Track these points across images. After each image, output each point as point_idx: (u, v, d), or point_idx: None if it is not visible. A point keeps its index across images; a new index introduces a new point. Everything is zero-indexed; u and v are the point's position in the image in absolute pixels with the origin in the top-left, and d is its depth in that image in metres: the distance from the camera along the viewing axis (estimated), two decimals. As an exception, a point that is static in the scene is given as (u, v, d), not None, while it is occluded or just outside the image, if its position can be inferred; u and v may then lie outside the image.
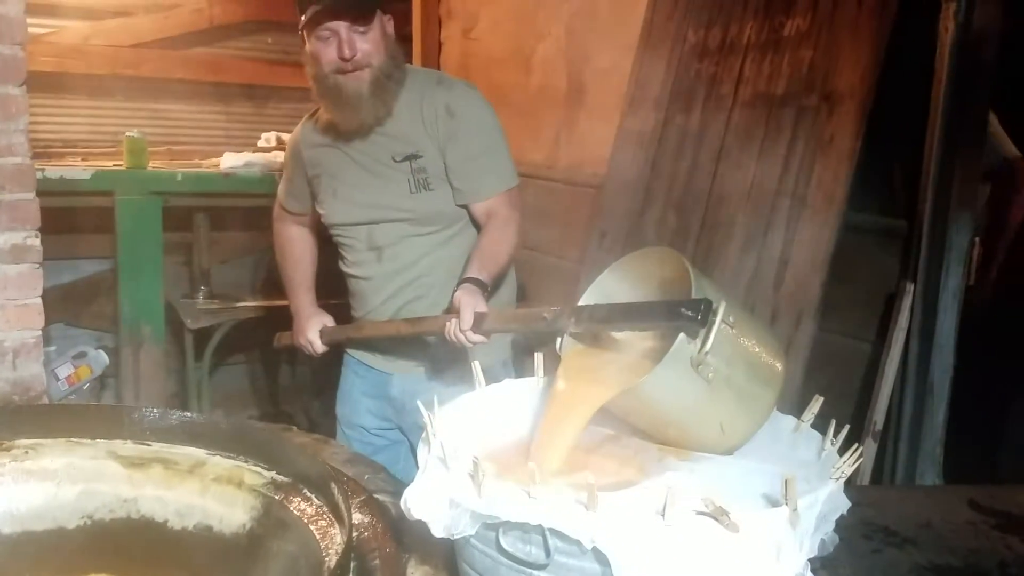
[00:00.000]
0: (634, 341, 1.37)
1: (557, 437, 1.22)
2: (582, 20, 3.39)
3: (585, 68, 3.39)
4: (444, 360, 2.03)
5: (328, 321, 2.19)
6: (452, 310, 1.77)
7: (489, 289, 1.84)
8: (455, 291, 1.79)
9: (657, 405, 1.20)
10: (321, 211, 2.12)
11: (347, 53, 1.87)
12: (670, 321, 1.19)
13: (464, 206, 2.01)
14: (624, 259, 1.36)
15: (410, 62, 4.12)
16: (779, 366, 1.25)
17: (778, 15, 2.51)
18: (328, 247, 2.23)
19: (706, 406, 1.18)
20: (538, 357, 1.41)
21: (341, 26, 1.87)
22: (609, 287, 1.37)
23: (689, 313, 1.14)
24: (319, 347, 2.18)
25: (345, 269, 2.14)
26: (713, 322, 1.13)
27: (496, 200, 1.99)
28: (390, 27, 1.97)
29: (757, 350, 1.23)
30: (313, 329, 2.17)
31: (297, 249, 2.28)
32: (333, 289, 2.31)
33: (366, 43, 1.89)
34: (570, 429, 1.22)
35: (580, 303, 1.37)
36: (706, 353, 1.13)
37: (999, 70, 2.21)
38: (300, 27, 1.93)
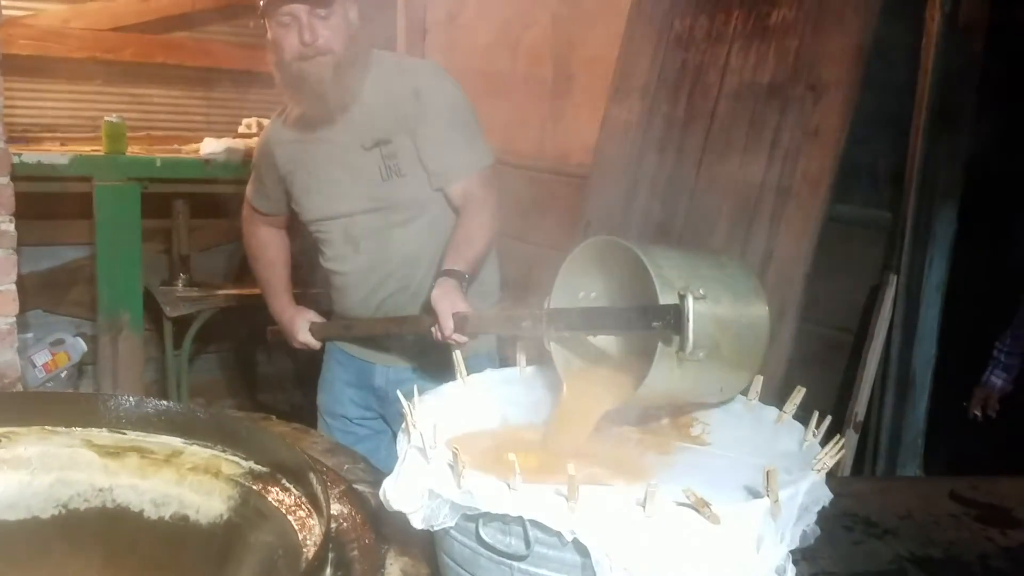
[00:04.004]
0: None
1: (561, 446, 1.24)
2: (568, 8, 3.37)
3: (572, 57, 3.37)
4: (428, 350, 2.01)
5: (312, 316, 2.17)
6: (430, 311, 1.75)
7: (468, 277, 1.82)
8: (432, 287, 1.77)
9: (657, 396, 1.23)
10: (297, 209, 2.10)
11: (307, 38, 1.84)
12: (644, 330, 1.19)
13: (440, 189, 1.98)
14: (578, 251, 1.33)
15: (395, 49, 4.13)
16: (761, 308, 1.26)
17: (764, 4, 2.51)
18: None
19: (703, 379, 1.21)
20: (521, 347, 1.40)
21: (301, 10, 1.84)
22: (574, 280, 1.36)
23: (659, 324, 1.15)
24: (315, 345, 2.16)
25: (325, 265, 2.12)
26: (687, 324, 1.12)
27: (471, 180, 1.96)
28: (354, 14, 1.94)
29: (737, 310, 1.23)
30: (303, 330, 2.15)
31: (270, 252, 2.25)
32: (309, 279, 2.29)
33: (327, 29, 1.86)
34: (571, 442, 1.24)
35: (552, 302, 1.36)
36: (688, 350, 1.13)
37: (985, 61, 2.21)
38: (259, 11, 1.90)
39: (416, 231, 2.00)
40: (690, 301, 1.12)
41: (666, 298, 1.14)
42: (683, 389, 1.22)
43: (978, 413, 2.50)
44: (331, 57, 1.87)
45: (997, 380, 2.55)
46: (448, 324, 1.71)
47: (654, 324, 1.15)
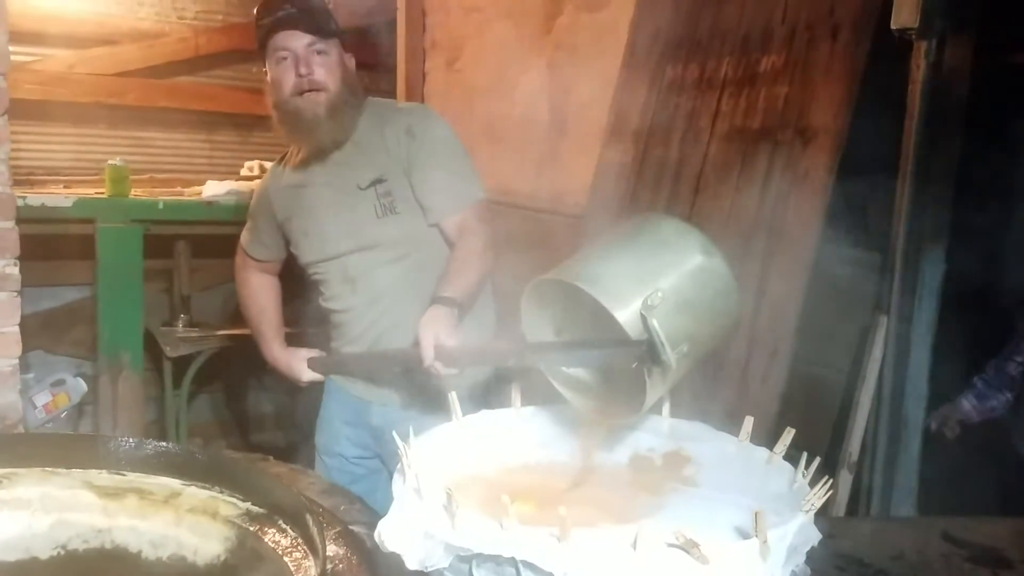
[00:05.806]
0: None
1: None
2: (564, 54, 3.44)
3: (567, 101, 3.43)
4: (424, 389, 2.03)
5: (305, 354, 2.19)
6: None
7: (460, 304, 1.85)
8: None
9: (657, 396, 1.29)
10: (295, 252, 2.15)
11: (303, 70, 1.93)
12: (624, 365, 1.23)
13: (435, 225, 2.03)
14: (530, 288, 1.36)
15: (394, 95, 4.20)
16: (715, 260, 1.28)
17: (754, 52, 2.56)
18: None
19: (693, 358, 1.27)
20: (515, 388, 1.42)
21: (299, 46, 1.92)
22: (540, 308, 1.39)
23: (637, 363, 1.20)
24: (321, 378, 2.18)
25: (323, 304, 2.15)
26: (663, 348, 1.16)
27: (465, 215, 2.01)
28: (350, 63, 2.04)
29: (698, 284, 1.26)
30: (302, 371, 2.17)
31: (262, 298, 2.29)
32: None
33: (322, 67, 1.95)
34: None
35: (527, 336, 1.40)
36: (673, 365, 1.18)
37: (970, 106, 2.26)
38: (258, 46, 1.97)
39: (410, 267, 2.05)
40: (655, 323, 1.16)
41: (620, 315, 1.18)
42: (679, 376, 1.28)
43: (933, 426, 2.47)
44: (325, 95, 1.95)
45: (966, 404, 2.54)
46: (429, 353, 1.73)
47: (634, 365, 1.20)
